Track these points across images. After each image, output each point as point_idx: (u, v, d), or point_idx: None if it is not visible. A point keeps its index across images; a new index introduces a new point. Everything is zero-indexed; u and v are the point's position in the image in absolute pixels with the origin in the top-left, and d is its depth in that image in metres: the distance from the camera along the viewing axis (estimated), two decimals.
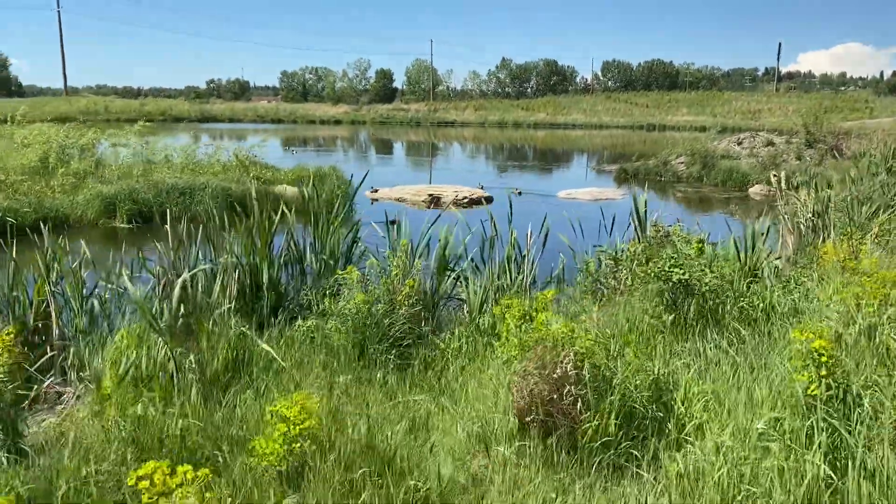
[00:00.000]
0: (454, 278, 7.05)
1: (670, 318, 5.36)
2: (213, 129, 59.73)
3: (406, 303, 5.87)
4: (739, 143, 25.33)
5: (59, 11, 78.30)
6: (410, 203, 19.43)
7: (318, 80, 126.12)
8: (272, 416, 3.68)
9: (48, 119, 62.70)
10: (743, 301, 5.74)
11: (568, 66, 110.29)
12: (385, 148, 49.66)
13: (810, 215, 10.02)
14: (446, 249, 7.02)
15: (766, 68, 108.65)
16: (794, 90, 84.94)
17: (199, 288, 5.56)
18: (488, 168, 34.20)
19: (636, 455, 3.96)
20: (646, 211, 7.42)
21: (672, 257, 5.38)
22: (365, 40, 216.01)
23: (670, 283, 5.34)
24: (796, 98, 73.68)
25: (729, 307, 5.67)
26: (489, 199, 19.78)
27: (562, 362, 3.90)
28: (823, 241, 9.36)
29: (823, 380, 3.46)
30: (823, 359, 3.44)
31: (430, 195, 19.50)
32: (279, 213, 7.16)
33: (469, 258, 7.44)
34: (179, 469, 2.77)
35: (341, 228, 7.53)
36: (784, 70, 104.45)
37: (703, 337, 5.22)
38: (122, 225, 14.68)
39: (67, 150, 17.17)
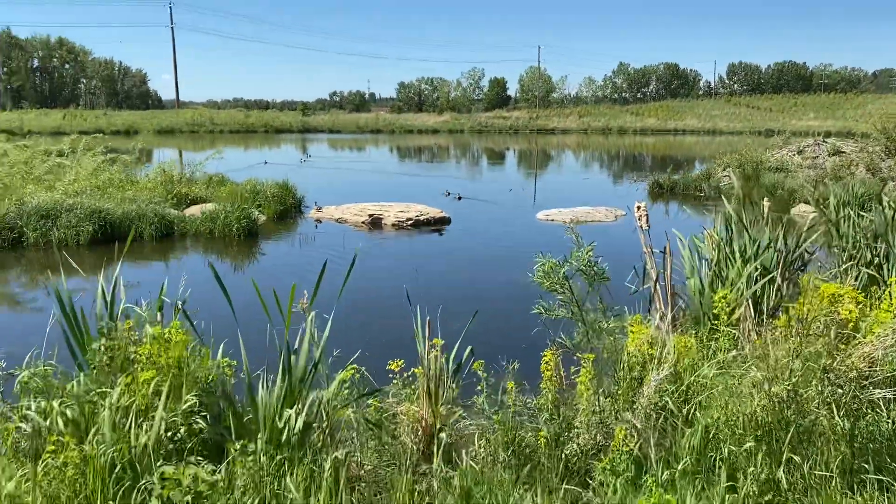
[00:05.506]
0: None
1: None
2: (308, 139, 59.40)
3: None
4: (800, 153, 20.22)
5: (172, 28, 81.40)
6: (351, 224, 16.38)
7: (433, 90, 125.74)
8: None
9: (157, 130, 65.01)
10: None
11: (691, 70, 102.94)
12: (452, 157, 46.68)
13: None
14: None
15: None
16: None
17: None
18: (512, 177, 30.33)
19: None
20: None
21: None
22: (481, 50, 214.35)
23: None
24: None
25: None
26: (443, 221, 16.34)
27: None
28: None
29: None
30: None
31: (371, 215, 16.33)
32: None
33: None
34: None
35: None
36: None
37: None
38: None
39: None
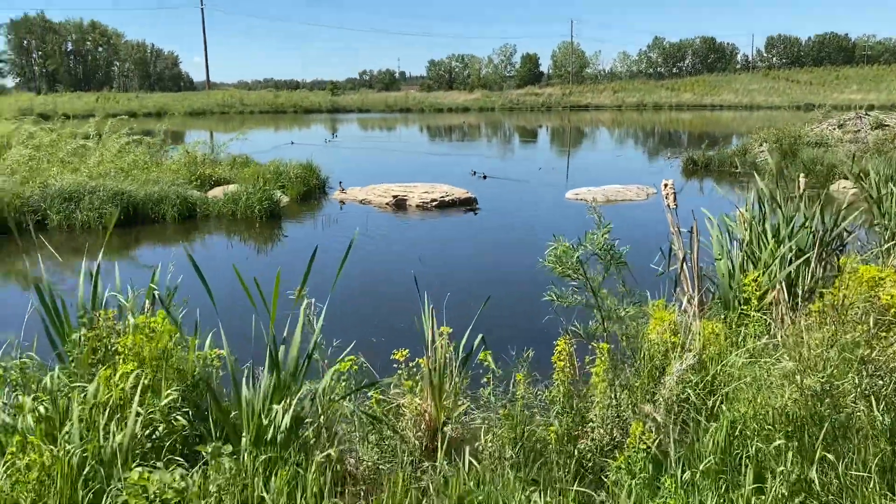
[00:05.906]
0: None
1: None
2: (337, 119, 59.34)
3: None
4: (841, 126, 19.46)
5: (202, 9, 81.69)
6: (375, 205, 16.17)
7: (464, 67, 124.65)
8: None
9: (188, 112, 65.42)
10: None
11: (728, 44, 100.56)
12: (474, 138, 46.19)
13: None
14: None
15: None
16: None
17: None
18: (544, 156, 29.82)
19: None
20: None
21: None
22: (513, 25, 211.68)
23: None
24: None
25: None
26: (468, 202, 16.01)
27: None
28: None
29: None
30: None
31: (395, 196, 16.09)
32: None
33: None
34: None
35: None
36: None
37: None
38: None
39: None
